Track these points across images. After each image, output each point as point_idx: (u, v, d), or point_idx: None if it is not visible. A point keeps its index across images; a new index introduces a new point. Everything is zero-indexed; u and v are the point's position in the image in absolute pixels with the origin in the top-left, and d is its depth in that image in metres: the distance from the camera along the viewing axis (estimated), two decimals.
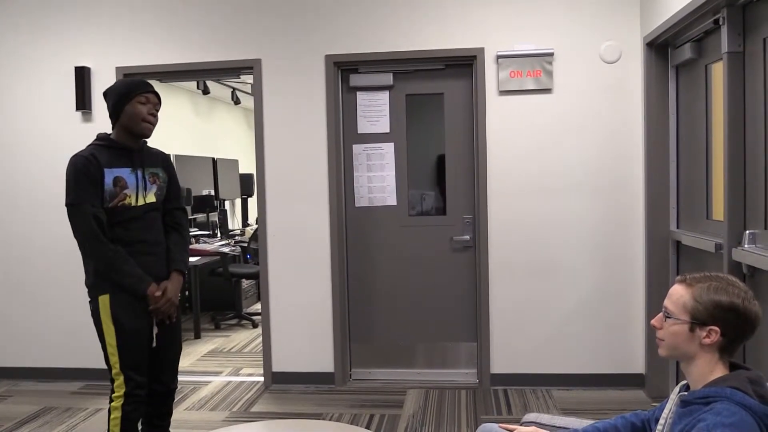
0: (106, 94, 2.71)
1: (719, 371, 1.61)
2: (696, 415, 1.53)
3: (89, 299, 2.68)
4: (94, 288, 2.65)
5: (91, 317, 2.68)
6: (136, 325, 2.66)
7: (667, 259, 3.86)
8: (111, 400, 2.65)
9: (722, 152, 2.93)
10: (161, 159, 2.87)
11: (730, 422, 1.45)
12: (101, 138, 2.69)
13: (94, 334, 2.72)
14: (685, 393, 1.64)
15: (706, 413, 1.51)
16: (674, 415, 1.65)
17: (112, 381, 2.66)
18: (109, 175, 2.60)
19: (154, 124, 2.71)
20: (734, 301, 1.57)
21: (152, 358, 2.77)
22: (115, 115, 2.67)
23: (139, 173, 2.70)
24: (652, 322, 1.70)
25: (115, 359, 2.63)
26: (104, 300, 2.62)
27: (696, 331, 1.59)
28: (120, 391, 2.63)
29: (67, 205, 2.58)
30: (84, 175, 2.55)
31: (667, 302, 1.66)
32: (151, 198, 2.74)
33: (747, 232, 2.77)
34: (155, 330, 2.74)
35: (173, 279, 2.79)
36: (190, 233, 6.72)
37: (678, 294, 1.63)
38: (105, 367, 2.69)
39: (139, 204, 2.68)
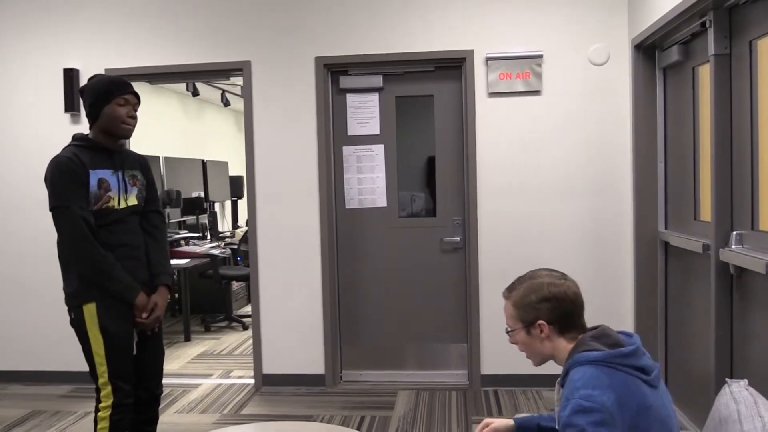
0: (82, 92, 2.61)
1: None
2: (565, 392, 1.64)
3: (68, 307, 2.57)
4: (77, 296, 2.54)
5: (72, 326, 2.57)
6: (123, 332, 2.58)
7: (656, 259, 3.89)
8: (97, 410, 2.56)
9: (709, 153, 2.96)
10: (138, 161, 2.77)
11: (581, 383, 1.56)
12: (80, 138, 2.59)
13: None
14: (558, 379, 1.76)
15: (566, 387, 1.62)
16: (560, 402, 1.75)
17: (98, 390, 2.57)
18: (93, 176, 2.51)
19: (133, 126, 2.61)
20: (542, 293, 1.75)
21: (137, 366, 2.68)
22: (92, 115, 2.57)
23: (120, 175, 2.61)
24: (509, 341, 1.85)
25: (103, 369, 2.54)
26: (90, 309, 2.52)
27: (531, 332, 1.77)
28: (107, 401, 2.54)
29: (52, 208, 2.47)
30: (69, 176, 2.45)
31: (506, 321, 1.85)
32: (133, 200, 2.66)
33: (734, 232, 2.80)
34: (135, 338, 2.67)
35: (161, 294, 2.70)
36: (180, 235, 6.71)
37: (506, 309, 1.83)
38: None
39: (121, 207, 2.60)
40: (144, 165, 2.80)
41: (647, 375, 1.61)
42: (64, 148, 2.57)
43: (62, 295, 2.62)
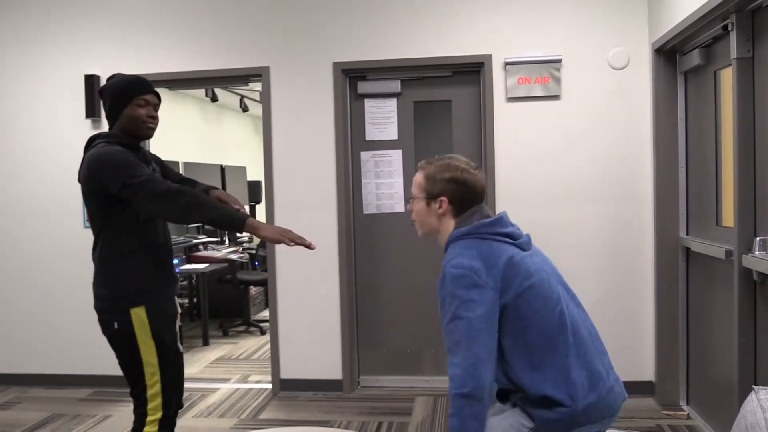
0: (101, 93, 2.48)
1: None
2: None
3: (111, 312, 2.35)
4: (123, 299, 2.34)
5: (116, 334, 2.34)
6: (173, 338, 2.41)
7: (677, 265, 3.84)
8: (143, 424, 2.36)
9: (732, 158, 2.92)
10: (153, 158, 2.68)
11: (451, 256, 1.83)
12: (106, 136, 2.44)
13: (102, 340, 2.55)
14: None
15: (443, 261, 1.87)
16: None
17: (144, 403, 2.37)
18: None
19: (155, 126, 2.49)
20: (455, 174, 1.95)
21: None
22: (112, 117, 2.45)
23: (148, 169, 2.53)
24: (407, 207, 2.07)
25: (155, 379, 2.35)
26: (139, 313, 2.33)
27: (431, 205, 1.99)
28: (155, 415, 2.35)
29: (127, 182, 2.23)
30: (124, 154, 2.30)
31: (412, 188, 2.05)
32: None
33: (757, 238, 2.76)
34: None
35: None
36: (199, 240, 6.75)
37: (416, 178, 2.03)
38: (113, 373, 2.53)
39: None
40: (158, 162, 2.71)
41: (514, 239, 1.87)
42: (96, 145, 2.42)
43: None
